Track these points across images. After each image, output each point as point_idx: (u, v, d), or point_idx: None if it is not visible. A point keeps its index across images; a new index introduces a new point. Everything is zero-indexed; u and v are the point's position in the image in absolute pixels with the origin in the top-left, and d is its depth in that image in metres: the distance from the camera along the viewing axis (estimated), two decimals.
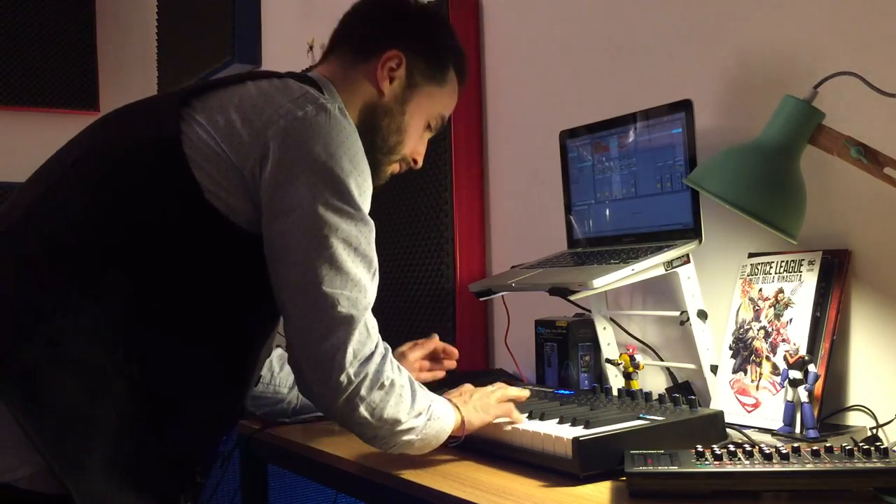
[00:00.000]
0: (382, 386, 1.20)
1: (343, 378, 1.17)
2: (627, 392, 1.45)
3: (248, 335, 1.32)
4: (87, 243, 1.19)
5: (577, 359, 1.74)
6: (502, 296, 1.89)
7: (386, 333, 1.25)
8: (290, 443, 1.58)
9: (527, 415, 1.36)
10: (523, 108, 2.10)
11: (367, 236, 1.23)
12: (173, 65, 3.81)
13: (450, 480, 1.23)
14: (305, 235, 1.19)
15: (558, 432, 1.22)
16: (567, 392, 1.56)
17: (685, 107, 1.53)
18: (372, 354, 1.21)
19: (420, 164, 1.52)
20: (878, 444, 1.10)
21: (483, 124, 2.21)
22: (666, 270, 1.51)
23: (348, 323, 1.18)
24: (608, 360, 1.69)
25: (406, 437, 1.25)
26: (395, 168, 1.49)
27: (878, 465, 1.02)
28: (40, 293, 1.17)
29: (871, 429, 1.31)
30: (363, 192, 1.23)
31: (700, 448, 1.10)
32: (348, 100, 1.40)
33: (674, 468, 1.06)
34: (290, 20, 3.14)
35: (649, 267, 1.48)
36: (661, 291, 1.71)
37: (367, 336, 1.21)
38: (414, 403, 1.24)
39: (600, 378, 1.73)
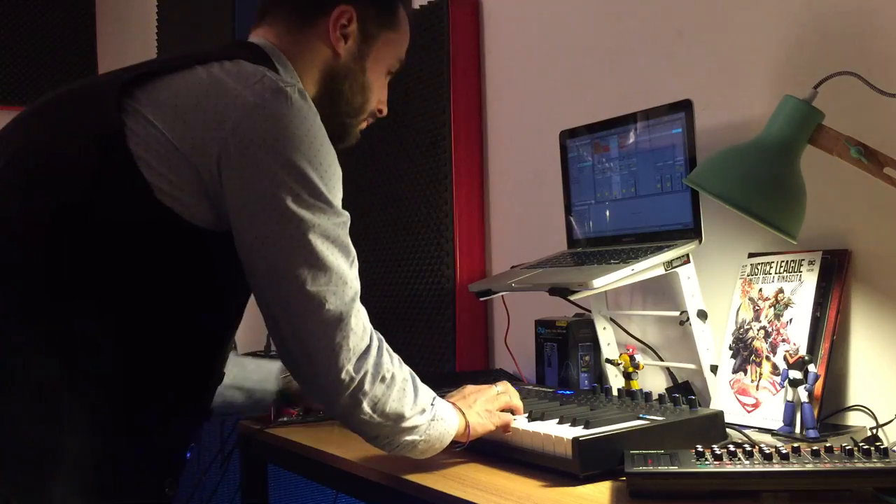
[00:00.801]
0: (384, 379, 1.17)
1: (344, 376, 1.14)
2: (627, 392, 1.44)
3: (211, 338, 1.25)
4: (30, 254, 1.12)
5: (577, 359, 1.74)
6: (502, 296, 1.89)
7: (386, 334, 1.25)
8: (290, 443, 1.58)
9: (527, 415, 1.36)
10: (523, 108, 2.10)
11: (342, 228, 1.16)
12: None
13: (450, 480, 1.23)
14: (281, 236, 1.12)
15: (558, 432, 1.22)
16: (567, 392, 1.56)
17: (685, 107, 1.53)
18: (368, 348, 1.17)
19: (385, 111, 1.43)
20: (878, 444, 1.10)
21: (483, 124, 2.21)
22: (666, 270, 1.51)
23: (339, 319, 1.14)
24: (608, 360, 1.69)
25: (409, 437, 1.22)
26: (363, 125, 1.41)
27: (878, 465, 1.02)
28: None
29: (871, 429, 1.31)
30: (333, 183, 1.16)
31: (700, 448, 1.10)
32: (304, 70, 1.32)
33: (674, 468, 1.06)
34: None
35: (649, 267, 1.48)
36: (661, 291, 1.71)
37: (361, 330, 1.16)
38: (417, 398, 1.21)
39: (600, 378, 1.73)
